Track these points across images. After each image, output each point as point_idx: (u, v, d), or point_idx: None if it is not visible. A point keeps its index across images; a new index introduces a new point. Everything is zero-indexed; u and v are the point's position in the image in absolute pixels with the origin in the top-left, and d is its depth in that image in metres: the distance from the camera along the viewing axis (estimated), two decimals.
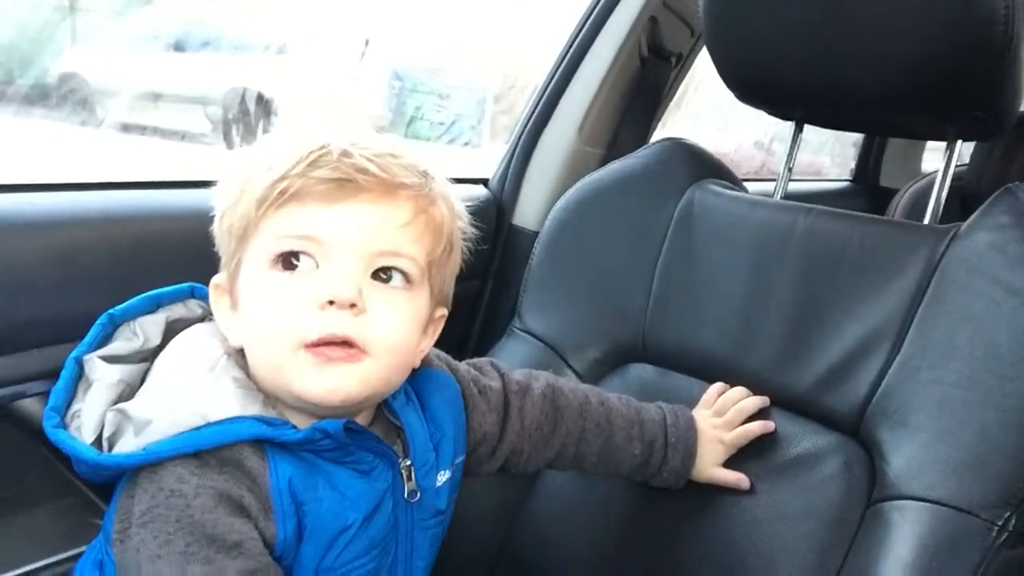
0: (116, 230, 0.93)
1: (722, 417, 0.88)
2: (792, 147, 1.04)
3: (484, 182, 1.32)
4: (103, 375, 0.65)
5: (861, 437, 0.82)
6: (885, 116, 0.97)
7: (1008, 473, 0.71)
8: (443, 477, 0.72)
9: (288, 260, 0.62)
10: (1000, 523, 0.70)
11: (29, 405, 0.89)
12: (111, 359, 0.66)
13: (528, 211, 1.27)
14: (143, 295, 0.71)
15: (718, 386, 0.91)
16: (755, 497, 0.85)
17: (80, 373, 0.66)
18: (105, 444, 0.63)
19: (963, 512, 0.72)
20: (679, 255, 0.99)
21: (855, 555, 0.77)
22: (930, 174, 1.93)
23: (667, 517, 0.89)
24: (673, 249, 0.99)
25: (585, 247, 1.04)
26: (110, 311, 0.69)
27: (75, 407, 0.65)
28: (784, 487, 0.84)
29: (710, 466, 0.87)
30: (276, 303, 0.62)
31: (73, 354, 0.67)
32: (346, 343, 0.61)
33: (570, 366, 1.01)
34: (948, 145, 0.93)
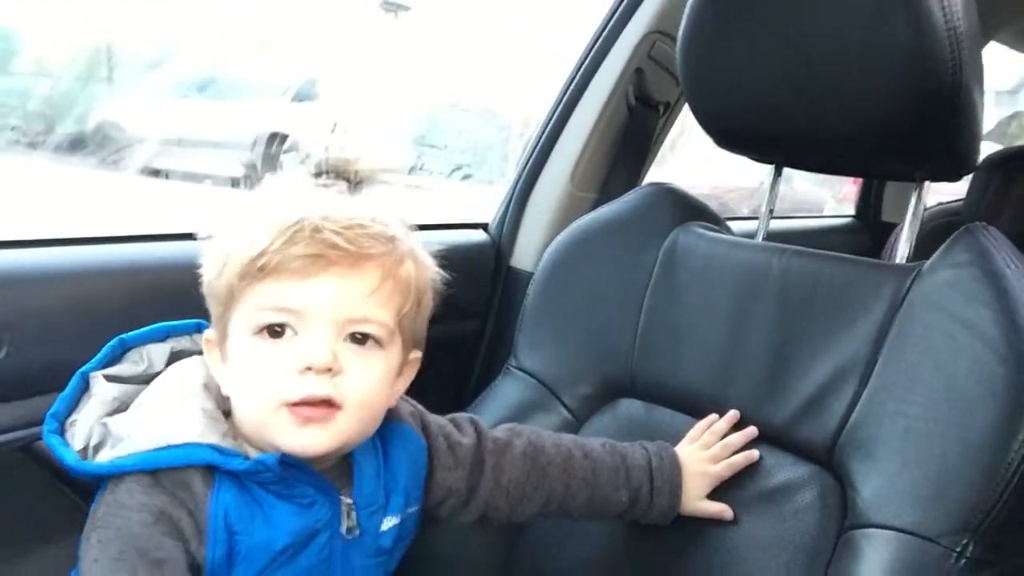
0: (136, 281, 1.00)
1: (708, 451, 0.91)
2: (772, 190, 1.08)
3: (484, 226, 1.38)
4: (101, 391, 0.73)
5: (834, 468, 0.85)
6: (857, 160, 1.01)
7: (967, 502, 0.74)
8: (390, 522, 0.77)
9: (272, 328, 0.69)
10: (959, 550, 0.73)
11: None
12: (114, 378, 0.74)
13: (525, 253, 1.33)
14: (155, 325, 0.79)
15: (707, 420, 0.94)
16: (734, 527, 0.88)
17: (85, 388, 0.74)
18: (90, 453, 0.70)
19: (925, 539, 0.75)
20: (663, 294, 1.03)
21: None
22: (930, 208, 1.97)
23: (649, 546, 0.92)
24: (658, 288, 1.04)
25: (576, 287, 1.09)
26: (121, 336, 0.77)
27: (73, 417, 0.72)
28: (761, 517, 0.88)
29: (695, 499, 0.90)
30: (260, 368, 0.69)
31: (82, 369, 0.75)
32: (325, 402, 0.68)
33: (563, 403, 1.05)
34: (916, 186, 0.97)
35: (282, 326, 0.69)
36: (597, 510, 0.89)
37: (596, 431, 1.02)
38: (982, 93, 0.89)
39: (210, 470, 0.69)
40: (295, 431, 0.68)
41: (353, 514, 0.74)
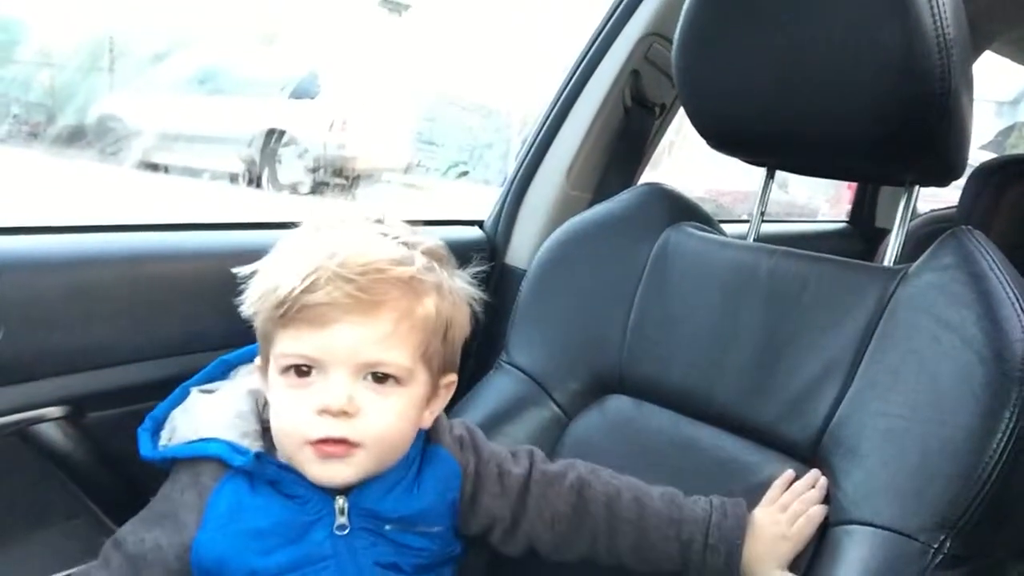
0: (134, 269, 1.01)
1: (786, 512, 0.84)
2: (763, 193, 1.10)
3: (479, 223, 1.39)
4: (191, 401, 0.84)
5: (817, 465, 0.87)
6: (848, 164, 1.03)
7: (945, 500, 0.75)
8: (399, 531, 0.81)
9: (299, 369, 0.75)
10: (936, 546, 0.75)
11: (47, 430, 0.95)
12: (208, 392, 0.85)
13: (520, 251, 1.34)
14: (252, 347, 0.85)
15: (784, 478, 0.87)
16: None
17: (185, 397, 0.85)
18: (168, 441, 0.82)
19: (904, 536, 0.76)
20: (654, 293, 1.05)
21: None
22: (924, 214, 1.98)
23: None
24: (648, 287, 1.05)
25: (568, 285, 1.11)
26: (223, 357, 0.89)
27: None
28: None
29: (773, 567, 0.83)
30: (287, 406, 0.76)
31: (183, 384, 0.86)
32: (342, 441, 0.74)
33: (552, 398, 1.06)
34: (906, 190, 0.98)
35: (307, 367, 0.75)
36: (646, 560, 0.85)
37: (585, 427, 1.04)
38: (971, 100, 0.90)
39: (223, 466, 0.77)
40: (319, 465, 0.75)
41: (345, 514, 0.78)
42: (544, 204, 1.34)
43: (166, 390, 0.89)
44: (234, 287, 1.02)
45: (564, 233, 1.14)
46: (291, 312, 0.73)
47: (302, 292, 0.72)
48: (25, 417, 0.93)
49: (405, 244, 0.78)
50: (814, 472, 0.85)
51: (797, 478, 0.87)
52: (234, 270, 0.80)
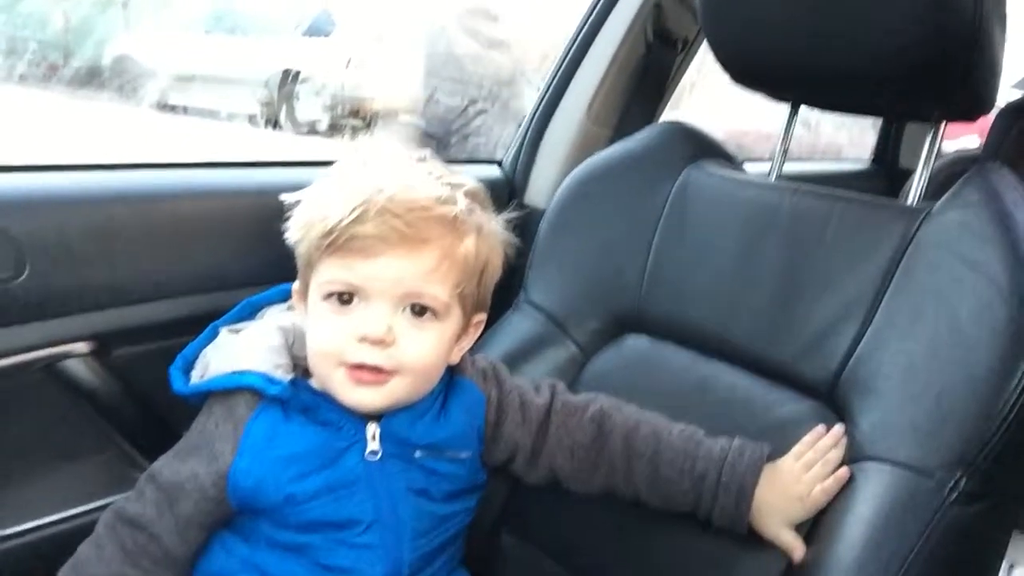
0: (156, 207, 1.02)
1: (810, 471, 0.82)
2: (787, 129, 1.08)
3: (498, 163, 1.38)
4: (222, 340, 0.86)
5: (834, 404, 0.87)
6: (874, 98, 1.01)
7: (963, 438, 0.75)
8: (429, 458, 0.83)
9: (340, 296, 0.78)
10: (952, 483, 0.75)
11: (74, 366, 0.97)
12: (236, 332, 0.87)
13: (539, 190, 1.33)
14: (279, 287, 0.90)
15: (814, 434, 0.84)
16: None
17: (214, 337, 0.87)
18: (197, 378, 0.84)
19: (919, 473, 0.76)
20: (674, 231, 1.04)
21: (824, 513, 0.81)
22: (949, 155, 1.95)
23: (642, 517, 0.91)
24: (668, 225, 1.05)
25: (587, 223, 1.10)
26: (249, 299, 0.90)
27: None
28: None
29: (779, 524, 0.82)
30: (327, 330, 0.78)
31: (213, 324, 0.88)
32: (376, 369, 0.77)
33: (570, 337, 1.07)
34: (932, 126, 0.96)
35: (349, 295, 0.77)
36: (663, 495, 0.86)
37: (602, 366, 1.04)
38: (1004, 32, 0.87)
39: (257, 396, 0.79)
40: (351, 389, 0.78)
41: (376, 439, 0.81)
42: (564, 143, 1.33)
43: (189, 328, 0.90)
44: (256, 226, 1.03)
45: (583, 172, 1.13)
46: (339, 242, 0.75)
47: (351, 223, 0.75)
48: (52, 353, 0.95)
49: (449, 185, 0.80)
50: (839, 428, 0.84)
51: (814, 413, 0.87)
52: (281, 197, 0.83)
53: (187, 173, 1.13)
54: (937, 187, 0.94)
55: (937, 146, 0.97)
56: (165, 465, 0.81)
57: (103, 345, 0.98)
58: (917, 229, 0.86)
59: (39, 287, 0.91)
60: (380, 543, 0.80)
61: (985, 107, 0.92)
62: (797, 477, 0.82)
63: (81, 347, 0.97)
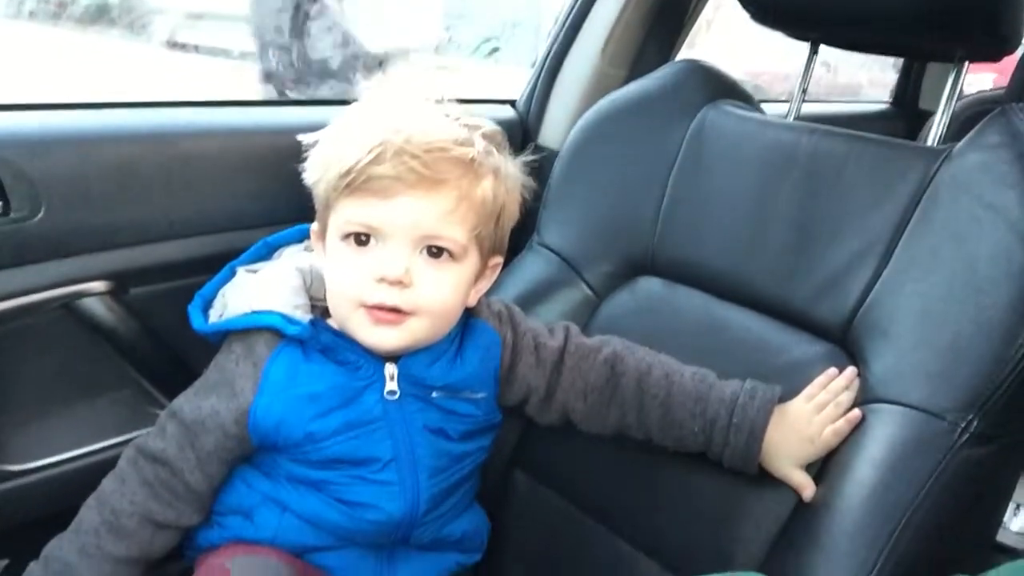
0: (170, 146, 1.02)
1: (822, 412, 0.82)
2: (807, 69, 1.06)
3: (512, 103, 1.36)
4: (240, 279, 0.87)
5: (848, 346, 0.87)
6: (896, 37, 0.99)
7: (975, 380, 0.76)
8: (446, 398, 0.85)
9: (359, 237, 0.78)
10: (963, 425, 0.75)
11: (91, 304, 0.98)
12: (253, 272, 0.87)
13: (553, 131, 1.32)
14: (296, 227, 0.90)
15: (826, 375, 0.84)
16: None
17: (231, 276, 0.88)
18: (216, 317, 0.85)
19: (931, 415, 0.77)
20: (689, 173, 1.03)
21: (835, 454, 0.82)
22: (969, 96, 1.91)
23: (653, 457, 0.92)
24: (684, 167, 1.04)
25: (601, 165, 1.09)
26: (265, 239, 0.91)
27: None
28: None
29: (789, 464, 0.82)
30: (346, 271, 0.79)
31: (230, 263, 0.89)
32: (394, 309, 0.77)
33: (583, 279, 1.07)
34: (955, 66, 0.94)
35: (367, 236, 0.77)
36: (674, 437, 0.86)
37: (615, 308, 1.04)
38: None
39: (276, 335, 0.80)
40: (370, 328, 0.78)
41: (395, 379, 0.82)
42: (578, 82, 1.31)
43: (206, 267, 0.91)
44: (273, 165, 1.03)
45: (598, 112, 1.12)
46: (356, 182, 0.75)
47: (368, 164, 0.75)
48: (69, 292, 0.96)
49: (466, 126, 0.80)
50: (851, 370, 0.84)
51: (827, 355, 0.87)
52: (299, 137, 0.82)
53: (203, 112, 1.12)
54: (958, 129, 0.93)
55: (958, 88, 0.96)
56: (186, 402, 0.82)
57: (120, 284, 0.99)
58: (936, 171, 0.85)
59: (55, 226, 0.91)
60: (398, 480, 0.82)
61: (1010, 47, 0.90)
62: (808, 418, 0.82)
63: (98, 286, 0.97)
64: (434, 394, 0.84)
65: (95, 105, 1.03)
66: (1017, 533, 1.31)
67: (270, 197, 1.05)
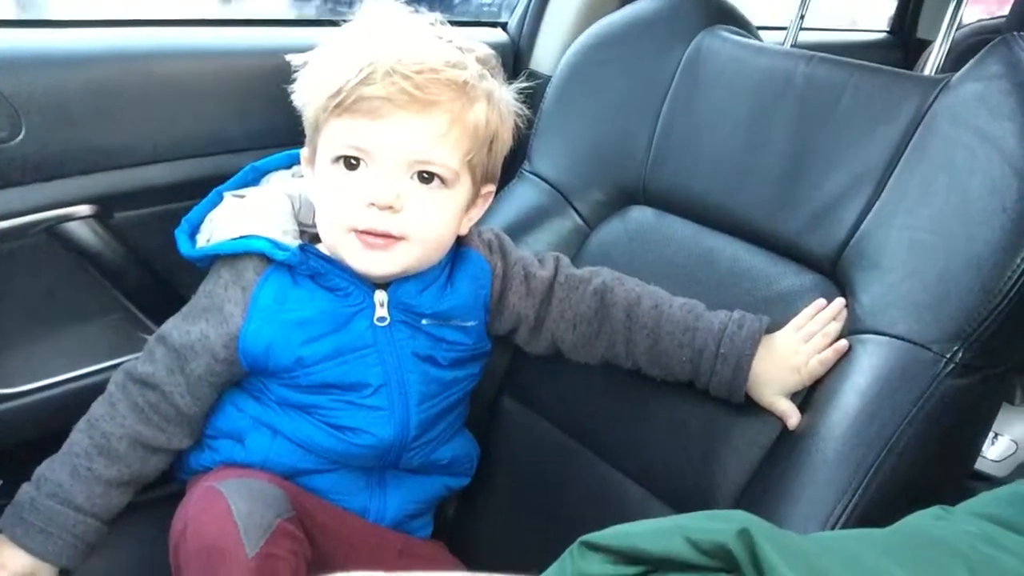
0: (153, 67, 0.99)
1: (809, 343, 0.82)
2: None
3: (503, 25, 1.33)
4: (228, 204, 0.85)
5: (837, 277, 0.87)
6: None
7: (962, 312, 0.76)
8: (436, 326, 0.85)
9: (348, 161, 0.77)
10: (949, 355, 0.76)
11: (76, 228, 0.97)
12: (240, 196, 0.86)
13: (545, 55, 1.29)
14: (283, 153, 0.89)
15: (814, 306, 0.84)
16: None
17: (219, 201, 0.86)
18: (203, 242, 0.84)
19: (917, 345, 0.77)
20: (683, 101, 1.02)
21: (821, 383, 0.83)
22: (969, 25, 1.88)
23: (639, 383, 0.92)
24: (678, 95, 1.02)
25: (594, 91, 1.07)
26: (253, 164, 0.89)
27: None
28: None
29: (775, 393, 0.82)
30: (335, 195, 0.78)
31: (216, 189, 0.87)
32: (385, 234, 0.76)
33: (574, 208, 1.06)
34: None
35: (357, 159, 0.76)
36: (662, 366, 0.86)
37: (606, 237, 1.04)
38: None
39: (265, 260, 0.80)
40: (361, 254, 0.78)
41: (385, 306, 0.82)
42: (572, 4, 1.27)
43: (192, 192, 0.90)
44: (259, 88, 1.01)
45: (592, 36, 1.10)
46: (346, 103, 0.74)
47: (358, 84, 0.74)
48: (53, 215, 0.94)
49: (459, 49, 0.79)
50: (839, 301, 0.84)
51: (816, 286, 0.87)
52: (288, 57, 0.81)
53: (187, 32, 1.09)
54: (956, 59, 0.91)
55: (959, 15, 0.94)
56: (174, 327, 0.82)
57: (105, 208, 0.98)
58: (933, 101, 0.84)
59: (36, 148, 0.90)
60: (388, 405, 0.83)
61: None
62: (795, 348, 0.82)
63: (83, 209, 0.96)
64: (424, 321, 0.84)
65: (75, 23, 1.00)
66: (995, 461, 1.34)
67: (257, 120, 1.03)
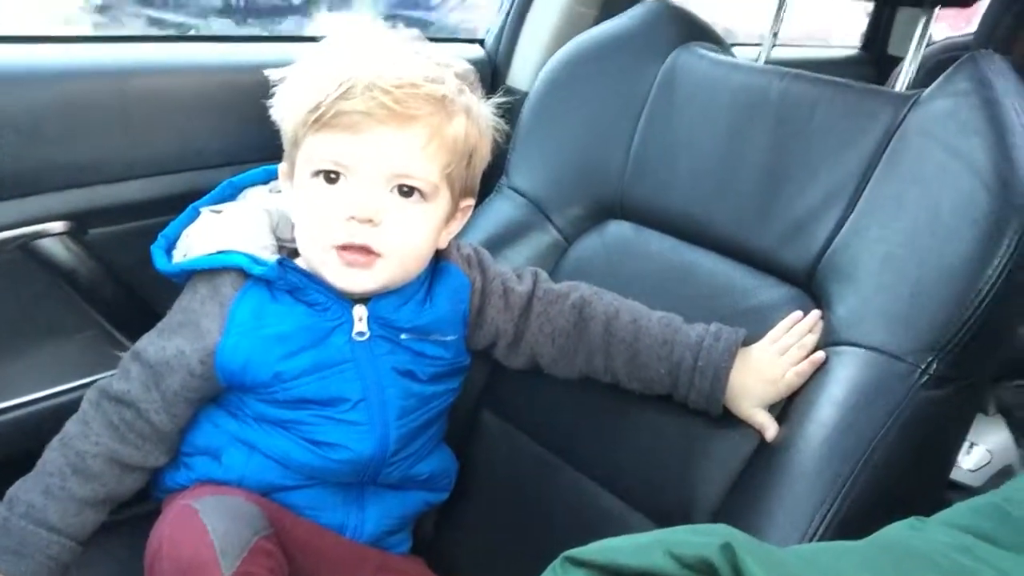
0: (128, 82, 0.99)
1: (785, 355, 0.82)
2: (778, 12, 1.05)
3: (480, 42, 1.34)
4: (204, 220, 0.85)
5: (813, 290, 0.88)
6: None
7: (936, 324, 0.77)
8: (415, 340, 0.85)
9: (328, 175, 0.77)
10: (923, 366, 0.76)
11: (50, 244, 0.96)
12: (218, 212, 0.86)
13: (522, 72, 1.30)
14: (260, 168, 0.88)
15: (790, 319, 0.85)
16: None
17: (196, 217, 0.86)
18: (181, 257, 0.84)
19: (892, 357, 0.78)
20: (659, 115, 1.02)
21: (797, 395, 0.83)
22: (939, 42, 1.92)
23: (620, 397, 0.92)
24: (654, 110, 1.03)
25: (571, 107, 1.08)
26: (230, 179, 0.89)
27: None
28: None
29: (752, 405, 0.83)
30: (315, 210, 0.78)
31: (193, 204, 0.87)
32: (364, 248, 0.76)
33: (552, 222, 1.07)
34: (925, 12, 0.94)
35: (336, 173, 0.76)
36: (641, 380, 0.87)
37: (584, 252, 1.04)
38: None
39: (243, 275, 0.80)
40: (341, 271, 0.78)
41: (364, 321, 0.82)
42: (548, 21, 1.28)
43: (167, 208, 0.89)
44: (235, 104, 1.00)
45: (568, 52, 1.11)
46: (325, 117, 0.74)
47: (338, 98, 0.74)
48: (27, 232, 0.94)
49: (438, 64, 0.79)
50: (815, 313, 0.84)
51: (792, 299, 0.88)
52: (266, 72, 0.81)
53: (163, 47, 1.09)
54: (926, 75, 0.93)
55: (929, 32, 0.96)
56: (150, 343, 0.81)
57: (79, 224, 0.97)
58: (904, 117, 0.85)
59: (8, 165, 0.89)
60: (367, 420, 0.82)
61: None
62: (772, 360, 0.83)
63: (57, 226, 0.95)
64: (403, 336, 0.84)
65: (48, 39, 0.99)
66: (970, 471, 1.36)
67: (232, 137, 1.03)
